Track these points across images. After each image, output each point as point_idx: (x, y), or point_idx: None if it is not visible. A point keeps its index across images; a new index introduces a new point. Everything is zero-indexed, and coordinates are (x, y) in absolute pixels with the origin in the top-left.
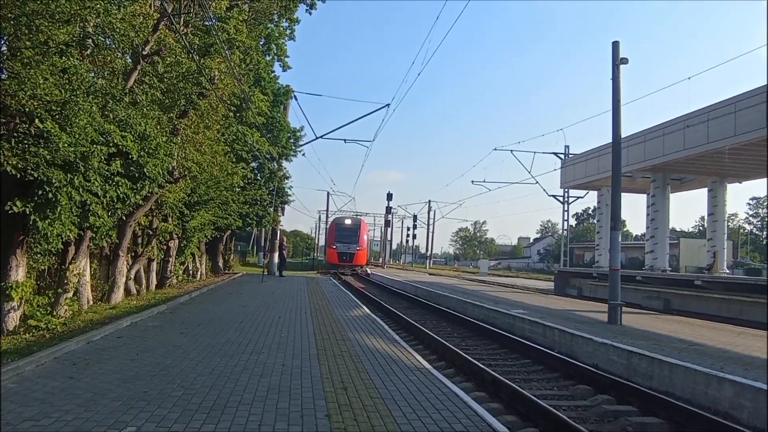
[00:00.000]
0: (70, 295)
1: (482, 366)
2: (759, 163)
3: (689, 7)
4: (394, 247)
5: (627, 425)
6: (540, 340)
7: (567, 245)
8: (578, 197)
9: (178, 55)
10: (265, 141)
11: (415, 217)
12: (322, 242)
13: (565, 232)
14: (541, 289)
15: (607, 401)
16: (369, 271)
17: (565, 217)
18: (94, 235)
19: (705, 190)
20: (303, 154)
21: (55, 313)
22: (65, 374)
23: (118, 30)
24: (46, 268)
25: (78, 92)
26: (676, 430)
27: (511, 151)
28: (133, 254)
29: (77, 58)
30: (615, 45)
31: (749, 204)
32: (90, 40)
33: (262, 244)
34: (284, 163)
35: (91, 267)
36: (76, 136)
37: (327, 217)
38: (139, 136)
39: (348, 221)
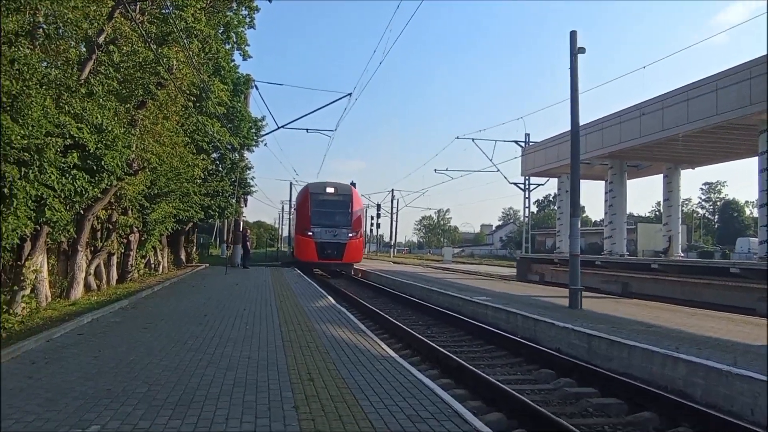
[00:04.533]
0: (27, 292)
1: (447, 353)
2: (711, 149)
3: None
4: None
5: (588, 406)
6: (503, 325)
7: (528, 232)
8: (539, 184)
9: (134, 44)
10: (225, 131)
11: (378, 206)
12: (286, 232)
13: (527, 219)
14: (504, 275)
15: (568, 384)
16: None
17: (527, 204)
18: (51, 230)
19: (660, 176)
20: (265, 144)
21: (11, 312)
22: (24, 374)
23: (69, 20)
24: (2, 265)
25: (30, 83)
26: (634, 410)
27: (473, 139)
28: (92, 249)
29: (28, 48)
30: (573, 35)
31: (702, 189)
32: (41, 30)
33: (225, 236)
34: (246, 154)
35: (48, 263)
36: (30, 128)
37: (290, 208)
38: (96, 128)
39: (331, 189)
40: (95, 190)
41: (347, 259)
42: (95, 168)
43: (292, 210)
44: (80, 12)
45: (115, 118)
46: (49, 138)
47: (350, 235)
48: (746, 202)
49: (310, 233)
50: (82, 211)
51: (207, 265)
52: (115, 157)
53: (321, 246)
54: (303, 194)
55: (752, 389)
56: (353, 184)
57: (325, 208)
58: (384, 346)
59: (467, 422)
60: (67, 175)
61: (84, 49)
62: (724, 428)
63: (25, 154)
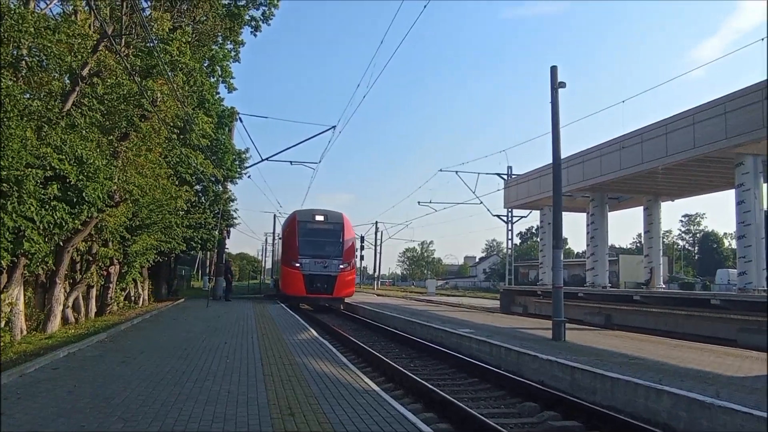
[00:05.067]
0: (2, 325)
1: (431, 386)
2: (689, 181)
3: (621, 31)
4: None
5: None
6: (487, 358)
7: (512, 264)
8: (522, 216)
9: (119, 76)
10: (209, 163)
11: (362, 238)
12: (270, 264)
13: (510, 250)
14: (488, 307)
15: (553, 417)
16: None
17: (509, 236)
18: (28, 262)
19: (641, 208)
20: (249, 177)
21: None
22: None
23: (53, 53)
24: None
25: (11, 114)
26: None
27: (456, 172)
28: (71, 281)
29: (10, 79)
30: (553, 70)
31: (681, 221)
32: (23, 63)
33: (208, 269)
34: (229, 186)
35: (25, 295)
36: (9, 159)
37: (273, 240)
38: (77, 160)
39: (320, 217)
40: (75, 221)
41: (338, 293)
42: (76, 199)
43: (277, 239)
44: (65, 45)
45: (98, 150)
46: (29, 169)
47: (341, 266)
48: (725, 233)
49: (297, 264)
50: (61, 243)
51: (188, 297)
52: (97, 188)
53: (309, 279)
54: (290, 222)
55: (734, 421)
56: None
57: (314, 237)
58: (366, 379)
59: None
60: (47, 207)
61: (68, 81)
62: None
63: (4, 185)
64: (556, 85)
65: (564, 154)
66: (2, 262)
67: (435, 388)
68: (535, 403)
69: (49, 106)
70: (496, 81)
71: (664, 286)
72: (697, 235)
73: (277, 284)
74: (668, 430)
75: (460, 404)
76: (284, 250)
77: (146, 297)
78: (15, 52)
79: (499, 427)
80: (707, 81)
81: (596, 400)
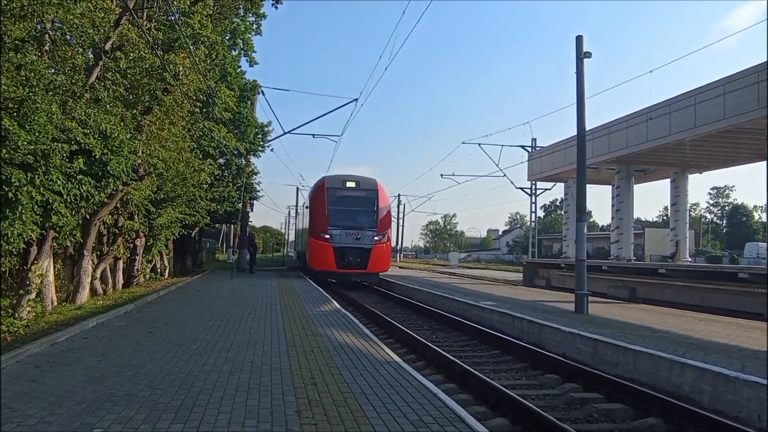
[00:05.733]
0: (33, 296)
1: (452, 358)
2: (718, 153)
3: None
4: None
5: (593, 412)
6: (509, 330)
7: (535, 237)
8: (546, 189)
9: (141, 50)
10: (232, 137)
11: None
12: (292, 237)
13: (533, 223)
14: (510, 280)
15: (574, 389)
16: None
17: (533, 209)
18: (57, 235)
19: (668, 181)
20: (271, 150)
21: (17, 316)
22: (28, 378)
23: (76, 26)
24: (8, 269)
25: (36, 89)
26: (640, 416)
27: (479, 144)
28: (98, 253)
29: (35, 54)
30: (578, 39)
31: (710, 194)
32: (47, 36)
33: (232, 241)
34: (252, 159)
35: (54, 267)
36: (36, 133)
37: (296, 213)
38: (101, 134)
39: (351, 183)
40: (101, 195)
41: (372, 268)
42: (101, 173)
43: (303, 209)
44: (87, 19)
45: (121, 124)
46: (55, 143)
47: (376, 238)
48: (755, 206)
49: (327, 236)
50: (88, 216)
51: (214, 269)
52: (121, 162)
53: (340, 252)
54: (318, 189)
55: (760, 396)
56: None
57: (345, 206)
58: (388, 350)
59: (470, 427)
60: (73, 180)
61: (91, 55)
62: None
63: (31, 158)
64: (581, 55)
65: (589, 125)
66: (32, 234)
67: (456, 359)
68: (557, 375)
69: (73, 81)
70: (522, 52)
71: (690, 259)
72: (726, 208)
73: (302, 257)
74: (691, 403)
75: (481, 375)
76: (312, 221)
77: (172, 269)
78: (38, 27)
79: (519, 398)
80: (739, 50)
81: (618, 373)
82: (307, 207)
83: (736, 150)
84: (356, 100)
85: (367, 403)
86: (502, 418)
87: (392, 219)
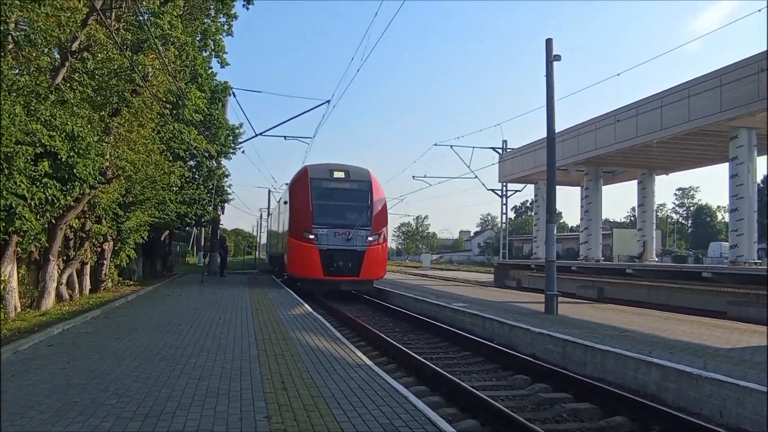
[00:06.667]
0: None
1: (423, 360)
2: (684, 155)
3: (617, 3)
4: None
5: (562, 412)
6: (480, 332)
7: (506, 238)
8: (516, 191)
9: (109, 51)
10: (202, 139)
11: None
12: (264, 239)
13: (504, 225)
14: (482, 282)
15: (543, 389)
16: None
17: (504, 211)
18: (21, 240)
19: (635, 182)
20: (243, 152)
21: None
22: None
23: (39, 27)
24: None
25: None
26: (607, 415)
27: (451, 146)
28: (65, 258)
29: None
30: (548, 42)
31: (676, 194)
32: (10, 38)
33: (202, 244)
34: (223, 161)
35: (18, 272)
36: None
37: (268, 217)
38: (68, 136)
39: (340, 173)
40: (67, 198)
41: (366, 274)
42: (67, 176)
43: (280, 204)
44: (53, 19)
45: (89, 126)
46: (19, 146)
47: (370, 239)
48: (718, 207)
49: (311, 236)
50: (54, 220)
51: (183, 272)
52: (88, 165)
53: (328, 256)
54: (300, 180)
55: (720, 392)
56: None
57: (333, 200)
58: (359, 354)
59: (440, 429)
60: (38, 184)
61: (57, 56)
62: (694, 431)
63: None
64: (551, 58)
65: (559, 127)
66: None
67: (427, 362)
68: (527, 375)
69: (37, 82)
70: (490, 53)
71: (656, 259)
72: (691, 208)
73: (277, 261)
74: (657, 401)
75: (452, 377)
76: (292, 218)
77: (141, 273)
78: (1, 27)
79: (489, 399)
80: (703, 54)
81: (587, 373)
82: (285, 202)
83: (701, 152)
84: (329, 101)
85: (338, 407)
86: (472, 420)
87: (387, 215)
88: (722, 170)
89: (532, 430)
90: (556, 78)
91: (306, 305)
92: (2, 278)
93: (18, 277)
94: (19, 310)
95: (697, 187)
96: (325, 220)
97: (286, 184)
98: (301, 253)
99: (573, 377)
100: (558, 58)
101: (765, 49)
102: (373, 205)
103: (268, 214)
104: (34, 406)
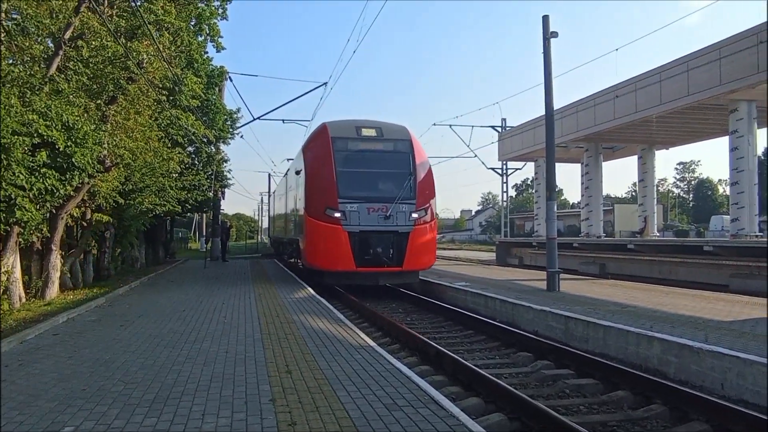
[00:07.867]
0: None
1: (426, 340)
2: (684, 129)
3: None
4: None
5: (564, 388)
6: (483, 310)
7: (507, 216)
8: (516, 169)
9: (103, 38)
10: (200, 124)
11: None
12: (266, 223)
13: (505, 203)
14: (484, 260)
15: (546, 366)
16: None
17: (505, 189)
18: (22, 230)
19: (635, 158)
20: (241, 137)
21: None
22: None
23: (29, 15)
24: None
25: None
26: (609, 390)
27: (450, 125)
28: (67, 247)
29: None
30: (545, 19)
31: (677, 169)
32: (1, 27)
33: (204, 230)
34: (222, 147)
35: (22, 263)
36: None
37: (270, 199)
38: (65, 126)
39: (369, 131)
40: (67, 188)
41: (412, 264)
42: (66, 166)
43: (290, 176)
44: (43, 8)
45: (85, 115)
46: (16, 137)
47: (415, 215)
48: (719, 180)
49: (337, 215)
50: (54, 210)
51: (187, 258)
52: (86, 154)
53: (361, 240)
54: (318, 140)
55: (722, 365)
56: None
57: (364, 167)
58: (363, 335)
59: (443, 408)
60: (37, 174)
61: (51, 45)
62: (695, 403)
63: None
64: (548, 35)
65: (558, 104)
66: None
67: (430, 341)
68: (529, 353)
69: (32, 72)
70: (488, 30)
71: (658, 234)
72: (692, 182)
73: (286, 247)
74: (659, 375)
75: (455, 356)
76: (310, 192)
77: (143, 260)
78: None
79: (492, 377)
80: (702, 27)
81: (589, 348)
82: (297, 172)
83: (701, 126)
84: (326, 84)
85: (342, 388)
86: (476, 398)
87: (434, 184)
88: (723, 144)
89: (534, 406)
90: (554, 55)
91: (308, 288)
92: (6, 269)
93: (22, 268)
94: (23, 300)
95: (698, 161)
96: (355, 193)
97: (281, 174)
98: (325, 237)
99: (575, 353)
100: (555, 35)
101: (764, 20)
102: (417, 171)
103: (269, 197)
104: (42, 395)
